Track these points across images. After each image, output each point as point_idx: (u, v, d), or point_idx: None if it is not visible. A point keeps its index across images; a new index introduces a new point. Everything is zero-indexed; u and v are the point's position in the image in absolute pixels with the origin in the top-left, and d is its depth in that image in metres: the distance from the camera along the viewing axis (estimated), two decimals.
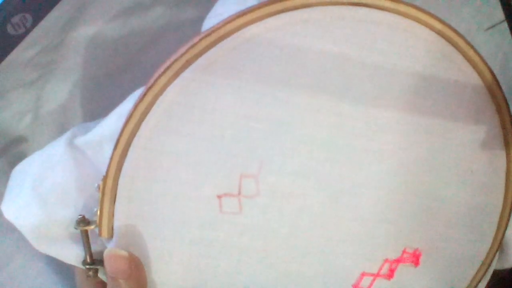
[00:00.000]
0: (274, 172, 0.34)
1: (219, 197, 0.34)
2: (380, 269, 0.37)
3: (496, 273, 0.42)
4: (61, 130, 0.45)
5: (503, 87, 0.37)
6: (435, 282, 0.38)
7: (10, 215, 0.35)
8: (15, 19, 0.38)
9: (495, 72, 0.37)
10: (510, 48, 0.51)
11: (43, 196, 0.35)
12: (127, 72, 0.46)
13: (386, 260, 0.37)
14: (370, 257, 0.37)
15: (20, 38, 0.39)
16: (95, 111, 0.45)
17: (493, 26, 0.50)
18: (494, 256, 0.40)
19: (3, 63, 0.40)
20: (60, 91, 0.45)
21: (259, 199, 0.34)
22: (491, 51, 0.51)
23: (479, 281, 0.39)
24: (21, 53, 0.42)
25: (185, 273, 0.35)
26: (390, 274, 0.37)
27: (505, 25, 0.43)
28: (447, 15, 0.49)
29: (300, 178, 0.34)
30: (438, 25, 0.35)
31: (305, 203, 0.35)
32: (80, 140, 0.36)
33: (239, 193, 0.34)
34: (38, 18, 0.40)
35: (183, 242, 0.34)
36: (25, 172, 0.36)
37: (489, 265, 0.40)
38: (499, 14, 0.49)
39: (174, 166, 0.33)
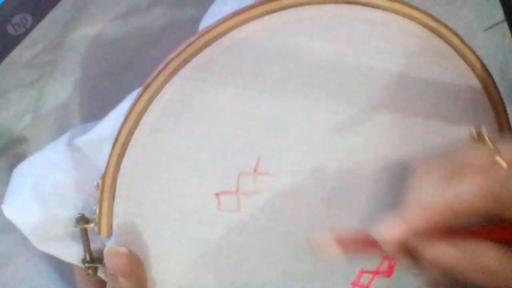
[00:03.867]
0: (271, 170, 0.34)
1: (217, 195, 0.34)
2: (379, 266, 0.37)
3: None
4: (61, 130, 0.45)
5: (503, 87, 0.37)
6: None
7: (11, 214, 0.35)
8: (15, 19, 0.38)
9: (495, 72, 0.37)
10: (510, 48, 0.51)
11: (43, 196, 0.35)
12: (127, 72, 0.46)
13: (384, 257, 0.37)
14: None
15: (20, 38, 0.40)
16: (95, 111, 0.45)
17: (493, 26, 0.50)
18: None
19: (3, 63, 0.40)
20: (60, 91, 0.45)
21: (257, 197, 0.35)
22: (491, 51, 0.51)
23: None
24: (21, 53, 0.42)
25: (184, 271, 0.35)
26: (389, 272, 0.37)
27: (505, 25, 0.43)
28: (446, 15, 0.49)
29: (297, 176, 0.35)
30: (432, 23, 0.35)
31: (302, 201, 0.35)
32: (80, 140, 0.36)
33: (237, 191, 0.34)
34: (38, 18, 0.40)
35: (182, 240, 0.34)
36: (26, 172, 0.37)
37: None
38: (499, 14, 0.49)
39: (173, 164, 0.33)
